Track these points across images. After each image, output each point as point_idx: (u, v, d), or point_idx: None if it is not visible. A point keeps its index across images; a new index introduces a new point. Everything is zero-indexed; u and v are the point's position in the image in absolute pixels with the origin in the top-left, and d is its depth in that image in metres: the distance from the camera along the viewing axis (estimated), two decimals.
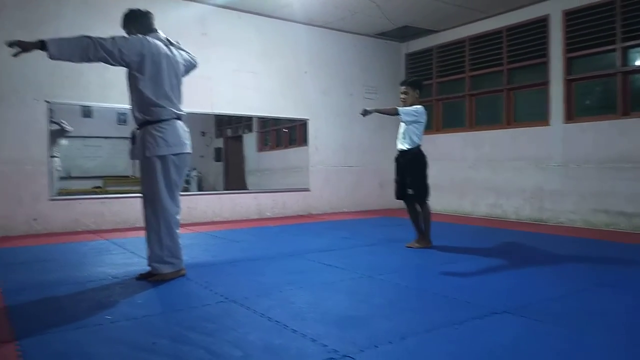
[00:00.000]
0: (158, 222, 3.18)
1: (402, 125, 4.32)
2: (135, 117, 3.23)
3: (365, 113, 4.24)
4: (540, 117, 6.48)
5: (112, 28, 5.91)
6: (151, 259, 3.22)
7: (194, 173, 7.70)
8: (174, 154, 3.20)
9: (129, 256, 4.07)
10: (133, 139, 3.24)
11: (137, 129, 3.23)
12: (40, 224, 5.47)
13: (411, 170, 4.28)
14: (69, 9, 5.60)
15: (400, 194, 4.36)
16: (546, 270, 3.62)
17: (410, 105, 4.30)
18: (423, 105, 4.34)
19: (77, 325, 2.35)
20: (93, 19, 5.55)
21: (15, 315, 2.50)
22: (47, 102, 5.49)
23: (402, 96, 4.33)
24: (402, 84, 4.38)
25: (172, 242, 3.22)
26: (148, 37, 3.18)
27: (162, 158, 3.17)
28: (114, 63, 3.07)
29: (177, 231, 3.27)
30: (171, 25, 6.10)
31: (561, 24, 6.14)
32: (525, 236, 5.29)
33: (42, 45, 2.80)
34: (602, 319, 2.43)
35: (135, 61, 3.08)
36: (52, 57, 2.85)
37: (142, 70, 3.11)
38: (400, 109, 4.26)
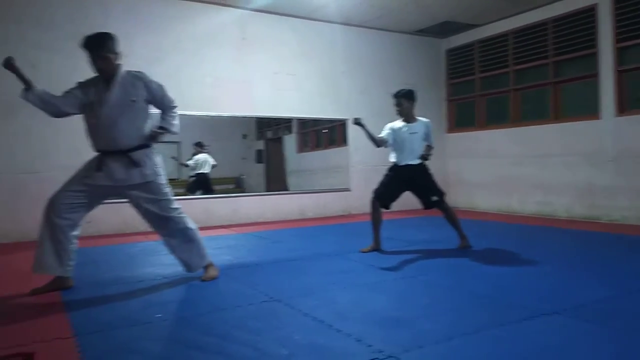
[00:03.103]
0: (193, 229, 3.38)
1: (409, 139, 4.20)
2: (127, 141, 3.20)
3: (358, 123, 4.15)
4: (590, 110, 6.22)
5: (154, 37, 6.19)
6: (197, 265, 3.37)
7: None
8: None
9: None
10: (133, 161, 3.21)
11: (127, 151, 3.19)
12: (93, 226, 5.71)
13: (427, 179, 4.28)
14: (115, 19, 5.82)
15: (426, 205, 4.31)
16: (598, 270, 3.48)
17: (406, 115, 4.26)
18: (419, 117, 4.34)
19: (129, 323, 2.44)
20: (137, 28, 5.74)
21: (73, 313, 2.63)
22: None
23: (397, 108, 4.27)
24: (395, 95, 4.28)
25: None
26: None
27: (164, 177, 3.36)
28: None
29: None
30: (212, 31, 6.28)
31: (610, 13, 5.88)
32: (576, 235, 5.10)
33: (28, 87, 2.96)
34: None
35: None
36: (23, 98, 2.99)
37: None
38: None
